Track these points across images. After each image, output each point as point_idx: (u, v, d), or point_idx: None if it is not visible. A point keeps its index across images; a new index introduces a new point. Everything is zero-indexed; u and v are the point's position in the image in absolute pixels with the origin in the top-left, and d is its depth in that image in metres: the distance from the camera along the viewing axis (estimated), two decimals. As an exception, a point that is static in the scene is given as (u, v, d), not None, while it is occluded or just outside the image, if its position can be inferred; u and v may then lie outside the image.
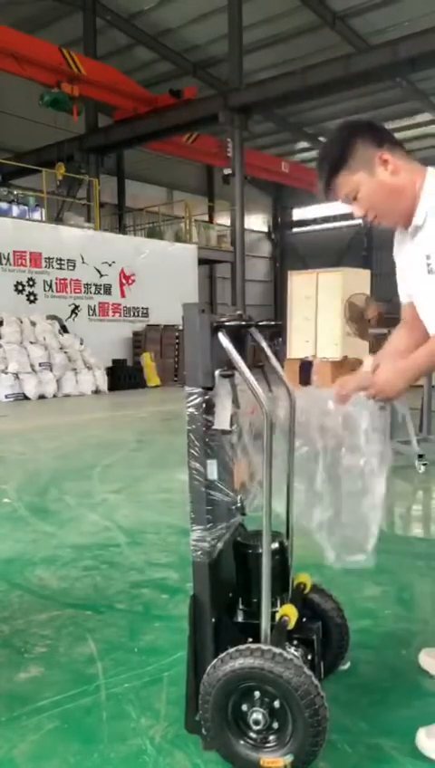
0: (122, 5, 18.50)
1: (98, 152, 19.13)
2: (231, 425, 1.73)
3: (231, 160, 16.75)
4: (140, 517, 4.18)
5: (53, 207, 17.08)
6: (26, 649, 2.39)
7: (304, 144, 25.11)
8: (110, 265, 15.82)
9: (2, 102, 18.81)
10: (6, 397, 11.90)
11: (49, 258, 14.52)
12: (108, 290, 15.88)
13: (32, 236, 14.29)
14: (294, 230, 30.22)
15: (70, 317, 14.88)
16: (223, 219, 22.52)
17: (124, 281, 16.21)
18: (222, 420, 1.72)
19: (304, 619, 1.90)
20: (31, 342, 12.93)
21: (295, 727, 1.59)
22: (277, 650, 1.62)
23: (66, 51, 15.76)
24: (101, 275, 15.67)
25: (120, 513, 4.26)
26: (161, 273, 16.53)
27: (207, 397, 1.70)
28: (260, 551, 1.74)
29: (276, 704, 1.63)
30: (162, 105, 17.60)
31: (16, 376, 12.18)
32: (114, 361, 14.86)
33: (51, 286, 14.58)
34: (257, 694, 1.65)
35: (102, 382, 13.60)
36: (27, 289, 14.15)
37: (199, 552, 1.73)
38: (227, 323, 1.70)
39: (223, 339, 1.67)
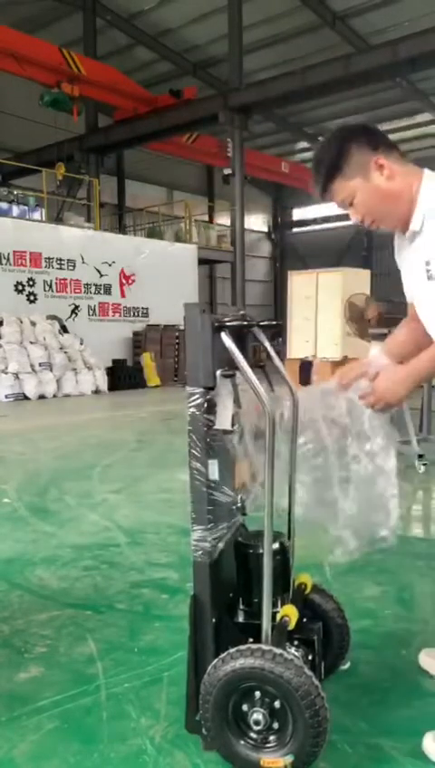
0: (122, 5, 18.50)
1: (98, 152, 19.14)
2: (232, 425, 1.73)
3: (231, 160, 16.75)
4: (140, 517, 4.18)
5: (53, 207, 17.08)
6: (26, 649, 2.39)
7: (304, 144, 25.12)
8: (110, 265, 15.82)
9: (2, 102, 18.81)
10: (6, 397, 11.90)
11: (49, 258, 14.51)
12: (108, 290, 15.88)
13: (32, 236, 14.29)
14: (294, 230, 30.23)
15: (70, 317, 14.88)
16: (223, 219, 22.52)
17: (124, 281, 16.21)
18: (223, 420, 1.72)
19: (305, 620, 1.90)
20: (31, 342, 12.93)
21: (296, 728, 1.59)
22: (278, 651, 1.62)
23: (66, 51, 15.77)
24: (101, 275, 15.67)
25: (120, 513, 4.26)
26: (161, 273, 16.53)
27: (208, 397, 1.70)
28: (261, 551, 1.74)
29: (277, 704, 1.63)
30: (162, 105, 17.61)
31: (16, 376, 12.18)
32: (114, 361, 14.86)
33: (51, 286, 14.59)
34: (258, 694, 1.64)
35: (102, 382, 13.60)
36: (27, 289, 14.15)
37: (200, 552, 1.73)
38: (229, 323, 1.70)
39: (226, 339, 1.67)
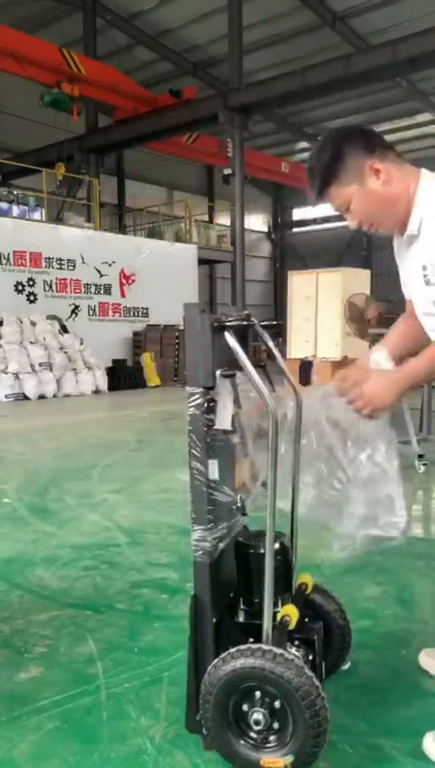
0: (122, 5, 18.50)
1: (98, 152, 19.14)
2: (232, 425, 1.73)
3: (231, 160, 16.75)
4: (140, 517, 4.18)
5: (53, 207, 17.08)
6: (26, 649, 2.39)
7: (304, 144, 25.11)
8: (110, 265, 15.81)
9: (2, 102, 18.81)
10: (6, 397, 11.89)
11: (49, 258, 14.51)
12: (108, 290, 15.88)
13: (32, 236, 14.29)
14: (294, 230, 30.24)
15: (70, 317, 14.87)
16: (223, 219, 22.52)
17: (124, 281, 16.21)
18: (223, 420, 1.72)
19: (306, 620, 1.90)
20: (31, 342, 12.92)
21: (296, 728, 1.59)
22: (278, 651, 1.62)
23: (66, 51, 15.77)
24: (101, 275, 15.66)
25: (120, 513, 4.26)
26: (161, 273, 16.53)
27: (208, 397, 1.70)
28: (261, 551, 1.74)
29: (277, 704, 1.63)
30: (162, 105, 17.61)
31: (16, 376, 12.18)
32: (114, 361, 14.86)
33: (51, 286, 14.58)
34: (258, 694, 1.64)
35: (102, 382, 13.59)
36: (27, 289, 14.14)
37: (200, 552, 1.73)
38: (229, 323, 1.70)
39: (230, 339, 1.67)
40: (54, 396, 12.58)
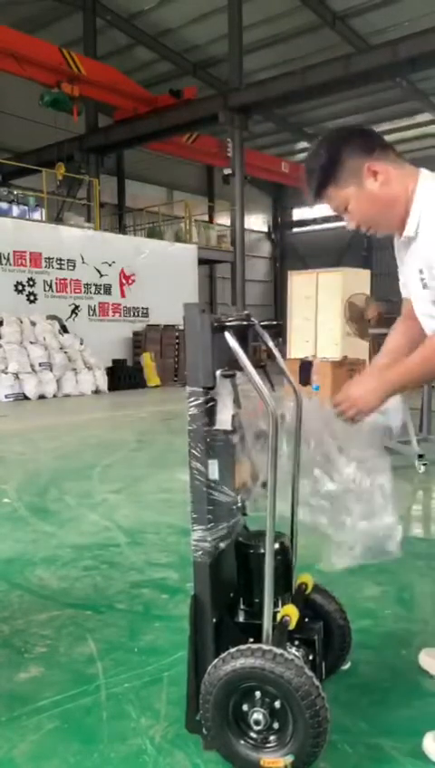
0: (122, 5, 18.50)
1: (98, 152, 19.14)
2: (232, 425, 1.73)
3: (231, 160, 16.75)
4: (140, 517, 4.18)
5: (53, 207, 17.07)
6: (26, 649, 2.39)
7: (304, 144, 25.09)
8: (110, 265, 15.81)
9: (2, 102, 18.81)
10: (6, 397, 11.89)
11: (49, 258, 14.51)
12: (108, 290, 15.87)
13: (32, 236, 14.28)
14: (295, 230, 30.23)
15: (70, 317, 14.87)
16: (223, 219, 22.52)
17: (124, 281, 16.21)
18: (223, 420, 1.72)
19: (306, 620, 1.90)
20: (31, 342, 12.92)
21: (296, 728, 1.59)
22: (278, 651, 1.62)
23: (66, 51, 15.77)
24: (101, 275, 15.66)
25: (120, 513, 4.26)
26: (161, 273, 16.53)
27: (208, 396, 1.70)
28: (261, 551, 1.74)
29: (277, 704, 1.63)
30: (162, 105, 17.61)
31: (16, 376, 12.17)
32: (114, 361, 14.86)
33: (51, 286, 14.58)
34: (258, 694, 1.64)
35: (102, 382, 13.59)
36: (27, 289, 14.14)
37: (200, 552, 1.73)
38: (229, 323, 1.70)
39: (230, 339, 1.67)
40: (54, 396, 12.58)
